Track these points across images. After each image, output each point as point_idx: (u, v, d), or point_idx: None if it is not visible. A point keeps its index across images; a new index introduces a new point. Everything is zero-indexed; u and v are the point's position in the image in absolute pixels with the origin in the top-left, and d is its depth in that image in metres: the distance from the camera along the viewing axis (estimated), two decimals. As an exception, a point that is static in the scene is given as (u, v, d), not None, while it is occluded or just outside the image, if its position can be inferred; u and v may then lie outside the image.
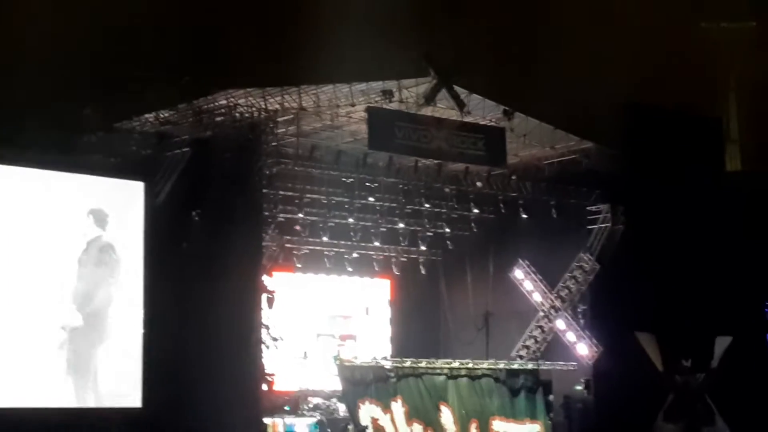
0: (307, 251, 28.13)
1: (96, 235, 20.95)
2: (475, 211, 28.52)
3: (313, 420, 25.52)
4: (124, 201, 21.49)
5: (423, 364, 25.28)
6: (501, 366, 26.72)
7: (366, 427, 23.47)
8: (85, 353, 20.37)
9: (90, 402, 20.12)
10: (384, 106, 23.74)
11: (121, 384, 20.50)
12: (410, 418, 24.22)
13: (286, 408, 25.57)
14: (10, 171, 20.19)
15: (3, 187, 20.03)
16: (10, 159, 20.07)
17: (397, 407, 24.17)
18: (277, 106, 23.33)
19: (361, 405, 23.68)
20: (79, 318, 20.38)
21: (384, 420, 23.79)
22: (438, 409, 24.88)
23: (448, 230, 29.33)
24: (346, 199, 27.02)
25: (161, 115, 22.84)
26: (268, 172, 23.94)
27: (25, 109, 19.99)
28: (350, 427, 24.39)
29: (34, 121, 20.27)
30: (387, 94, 23.49)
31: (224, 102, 22.94)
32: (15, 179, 20.21)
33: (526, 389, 26.36)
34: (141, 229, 21.49)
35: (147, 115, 22.76)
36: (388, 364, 24.96)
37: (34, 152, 20.23)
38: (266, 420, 22.91)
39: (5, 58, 19.76)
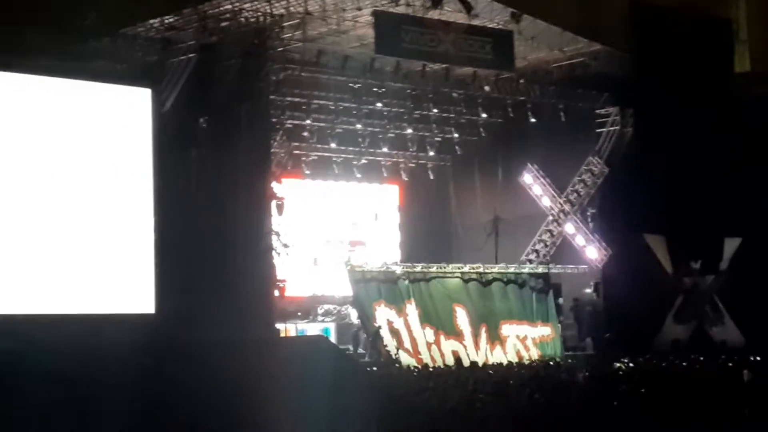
0: (316, 157, 28.09)
1: (104, 144, 20.75)
2: (484, 115, 28.45)
3: (325, 325, 25.79)
4: (131, 107, 21.26)
5: (434, 269, 25.44)
6: (511, 270, 26.89)
7: (380, 327, 23.62)
8: (97, 260, 20.33)
9: (102, 308, 20.12)
10: (390, 9, 23.44)
11: (133, 290, 20.52)
12: (423, 321, 24.42)
13: (298, 314, 25.77)
14: (14, 78, 19.98)
15: (7, 94, 19.81)
16: (13, 66, 19.85)
17: (412, 310, 24.35)
18: (283, 11, 23.02)
19: (376, 307, 23.85)
20: (88, 224, 20.32)
21: (398, 323, 23.98)
22: (453, 312, 25.07)
23: (456, 135, 29.26)
24: (353, 105, 27.00)
25: (166, 21, 22.58)
26: (274, 78, 23.82)
27: (27, 14, 19.69)
28: (361, 332, 24.60)
29: (37, 27, 19.98)
30: (393, -2, 23.26)
31: (229, 6, 22.62)
32: (18, 86, 19.98)
33: (536, 292, 26.56)
34: (149, 136, 21.29)
35: (152, 21, 22.47)
36: (398, 269, 25.08)
37: (38, 59, 19.99)
38: (278, 325, 23.06)
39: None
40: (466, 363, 23.64)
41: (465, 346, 25.03)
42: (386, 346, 23.45)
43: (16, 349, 17.42)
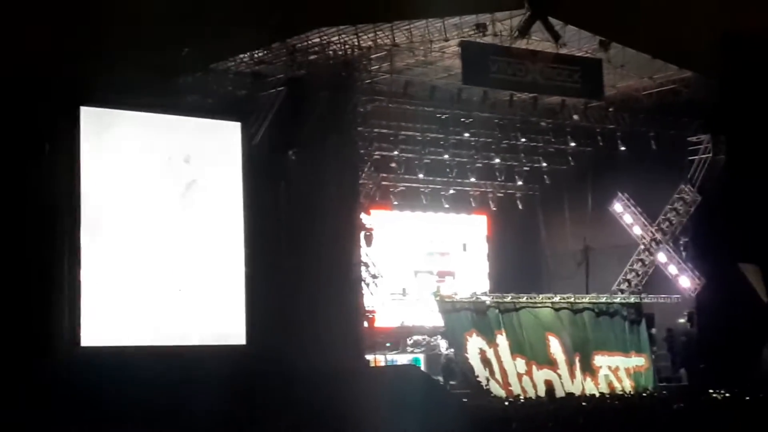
0: (404, 188, 28.13)
1: (195, 177, 21.01)
2: (573, 144, 28.28)
3: (415, 356, 25.72)
4: (221, 141, 21.50)
5: (524, 299, 25.26)
6: (602, 300, 26.59)
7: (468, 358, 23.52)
8: (190, 294, 20.55)
9: (195, 340, 20.33)
10: (477, 39, 23.46)
11: (225, 322, 20.69)
12: (514, 352, 24.25)
13: (388, 344, 25.76)
14: (110, 114, 20.36)
15: (100, 130, 20.18)
16: (108, 102, 20.21)
17: (502, 340, 24.19)
18: (370, 43, 23.24)
19: (468, 337, 23.77)
20: (184, 260, 20.56)
21: (489, 353, 23.85)
22: (546, 340, 24.85)
23: (544, 164, 29.07)
24: (441, 135, 27.04)
25: (256, 55, 22.94)
26: (362, 110, 24.02)
27: (122, 52, 20.11)
28: (452, 362, 24.45)
29: (131, 64, 20.38)
30: (480, 27, 23.13)
31: (317, 40, 22.91)
32: (114, 122, 20.37)
33: (628, 322, 26.23)
34: (238, 170, 21.48)
35: (242, 55, 22.83)
36: (488, 299, 24.96)
37: (132, 95, 20.33)
38: (368, 356, 23.09)
39: (104, 3, 19.88)
40: (559, 393, 23.47)
41: (559, 375, 24.81)
42: (477, 376, 23.34)
43: (119, 378, 17.87)
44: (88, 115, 19.91)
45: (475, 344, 23.75)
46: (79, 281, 19.15)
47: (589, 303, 26.17)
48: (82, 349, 18.99)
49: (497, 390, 23.23)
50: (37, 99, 19.09)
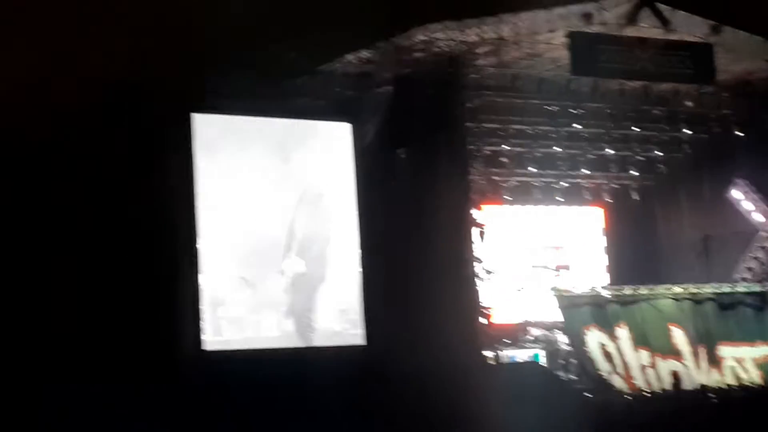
0: (515, 183, 27.82)
1: (308, 180, 21.09)
2: (687, 131, 27.67)
3: (534, 351, 25.46)
4: (331, 143, 21.57)
5: (644, 291, 24.86)
6: (725, 289, 26.01)
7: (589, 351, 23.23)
8: (306, 296, 20.65)
9: (314, 341, 20.41)
10: (585, 29, 23.17)
11: (343, 323, 20.73)
12: (636, 344, 23.87)
13: (506, 340, 25.53)
14: (219, 120, 20.54)
15: (213, 136, 20.40)
16: (219, 108, 20.39)
17: (623, 333, 23.86)
18: (476, 38, 23.04)
19: (586, 332, 23.46)
20: (301, 264, 20.65)
21: (611, 347, 23.53)
22: (668, 331, 24.40)
23: (659, 153, 28.49)
24: (550, 128, 26.67)
25: (362, 56, 22.96)
26: (470, 105, 23.91)
27: (231, 57, 20.30)
28: (572, 357, 24.18)
29: (239, 69, 20.57)
30: (587, 16, 22.88)
31: (423, 37, 22.78)
32: (223, 128, 20.55)
33: (754, 311, 25.60)
34: (350, 171, 21.51)
35: (348, 56, 22.86)
36: (607, 293, 24.63)
37: (241, 100, 20.51)
38: (486, 353, 22.90)
39: (207, 7, 20.09)
40: (685, 384, 23.04)
41: (685, 366, 24.34)
42: (599, 371, 23.02)
43: (242, 380, 18.05)
44: (199, 122, 20.15)
45: (595, 338, 23.44)
46: (199, 287, 19.40)
47: (711, 293, 25.62)
48: (205, 354, 19.21)
49: (620, 384, 22.90)
50: (149, 106, 19.36)
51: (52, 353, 17.20)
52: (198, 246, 19.54)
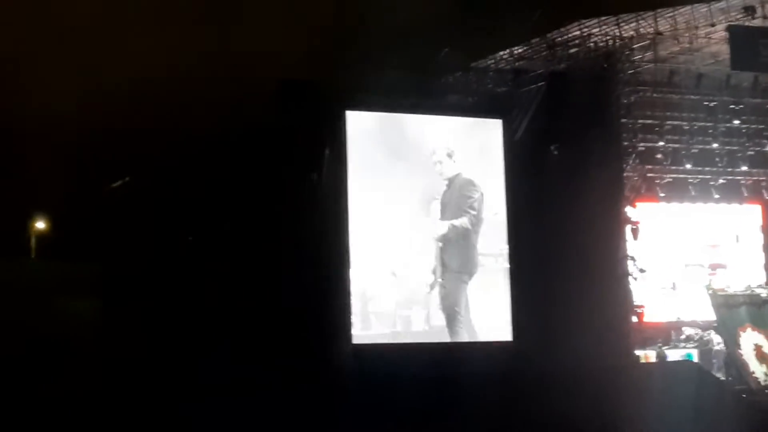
0: (670, 179, 27.25)
1: (455, 173, 21.21)
2: None
3: (687, 351, 24.98)
4: (483, 139, 21.64)
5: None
6: None
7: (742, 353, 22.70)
8: (455, 291, 20.81)
9: (464, 337, 20.56)
10: (746, 23, 22.63)
11: (492, 318, 20.83)
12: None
13: (659, 340, 25.16)
14: (372, 117, 20.90)
15: (367, 132, 20.74)
16: (372, 105, 20.73)
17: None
18: (633, 33, 22.83)
19: (741, 333, 22.92)
20: (450, 259, 20.82)
21: (767, 348, 22.93)
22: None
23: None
24: (709, 124, 26.13)
25: (515, 52, 22.96)
26: (625, 101, 23.58)
27: (384, 55, 20.58)
28: (727, 358, 23.67)
29: (393, 66, 20.84)
30: (749, 10, 22.31)
31: (578, 33, 22.71)
32: (377, 124, 20.91)
33: None
34: (500, 166, 21.56)
35: (501, 53, 22.90)
36: (764, 292, 24.00)
37: (394, 97, 20.77)
38: (638, 352, 22.66)
39: (364, 5, 20.45)
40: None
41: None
42: (753, 372, 22.48)
43: (390, 375, 18.34)
44: (352, 119, 20.53)
45: (750, 339, 22.85)
46: (348, 281, 19.77)
47: None
48: (354, 347, 19.60)
49: (772, 382, 22.33)
50: (305, 103, 19.79)
51: (210, 350, 17.77)
52: (348, 241, 19.94)
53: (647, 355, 23.60)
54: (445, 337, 20.49)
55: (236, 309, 18.38)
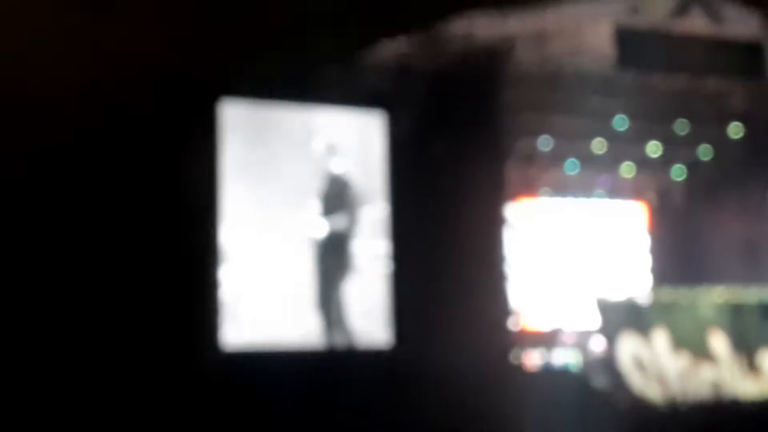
0: (553, 179, 27.42)
1: (334, 170, 20.61)
2: (734, 130, 26.83)
3: (568, 356, 24.93)
4: (363, 134, 21.09)
5: (683, 294, 24.22)
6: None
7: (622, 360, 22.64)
8: (332, 293, 20.23)
9: (341, 341, 19.96)
10: (631, 23, 22.49)
11: (368, 321, 20.28)
12: (676, 348, 23.24)
13: (539, 344, 25.06)
14: (248, 109, 20.18)
15: (242, 125, 20.04)
16: (247, 97, 20.08)
17: (660, 338, 23.23)
18: (517, 30, 22.49)
19: (622, 337, 22.86)
20: (327, 258, 20.22)
21: (646, 353, 22.91)
22: (708, 338, 23.72)
23: (705, 152, 27.84)
24: (593, 124, 26.15)
25: (398, 46, 22.44)
26: (509, 99, 23.34)
27: (261, 46, 19.84)
28: (605, 364, 23.60)
29: (271, 58, 20.12)
30: (634, 9, 22.30)
31: (462, 29, 22.27)
32: (253, 117, 20.20)
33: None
34: (381, 163, 21.06)
35: (383, 46, 22.34)
36: (645, 295, 24.11)
37: (272, 89, 20.12)
38: (518, 358, 22.40)
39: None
40: (724, 392, 22.41)
41: (723, 375, 23.67)
42: (632, 378, 22.44)
43: (261, 380, 17.73)
44: (228, 111, 19.77)
45: (630, 344, 22.80)
46: (219, 283, 18.95)
47: (754, 297, 24.90)
48: (224, 354, 18.79)
49: (655, 393, 22.29)
50: (175, 95, 18.94)
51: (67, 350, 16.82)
52: (219, 237, 19.16)
53: (527, 361, 23.43)
54: (321, 342, 19.82)
55: (98, 314, 17.40)
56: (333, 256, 20.22)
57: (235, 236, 19.37)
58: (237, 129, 19.88)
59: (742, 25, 23.30)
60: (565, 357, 25.02)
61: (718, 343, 23.87)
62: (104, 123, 18.41)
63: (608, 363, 23.36)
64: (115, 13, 19.09)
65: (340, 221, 20.38)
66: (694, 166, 28.53)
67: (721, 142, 27.65)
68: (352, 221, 20.50)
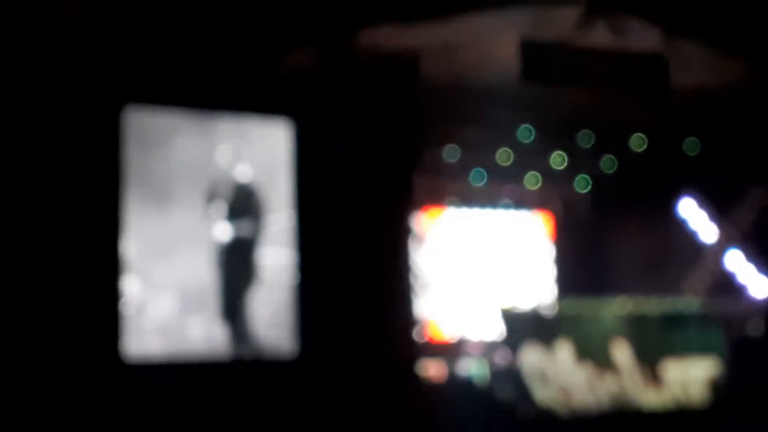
0: (459, 190, 27.51)
1: (240, 178, 20.42)
2: (638, 144, 27.31)
3: (473, 366, 24.93)
4: (271, 142, 20.93)
5: (587, 304, 24.44)
6: (671, 305, 25.60)
7: (527, 369, 22.76)
8: (237, 302, 20.02)
9: (242, 350, 19.74)
10: (537, 36, 22.65)
11: (273, 331, 20.09)
12: (579, 358, 23.42)
13: (445, 355, 25.04)
14: (154, 115, 19.87)
15: (147, 131, 19.73)
16: (153, 103, 19.76)
17: (564, 349, 23.39)
18: (425, 42, 22.53)
19: (526, 347, 22.96)
20: (230, 266, 20.01)
21: (550, 363, 23.05)
22: (611, 348, 23.97)
23: (608, 165, 28.22)
24: (498, 135, 26.36)
25: (306, 55, 22.34)
26: (417, 111, 23.35)
27: (168, 50, 19.58)
28: (511, 375, 23.69)
29: (178, 63, 19.88)
30: (539, 23, 22.36)
31: (371, 40, 22.24)
32: (158, 123, 19.90)
33: (699, 328, 25.22)
34: (287, 172, 20.93)
35: (294, 54, 22.24)
36: (549, 305, 24.25)
37: (179, 95, 19.87)
38: (424, 366, 22.32)
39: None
40: (625, 403, 22.65)
41: (625, 384, 23.93)
42: (535, 389, 22.55)
43: (164, 393, 17.47)
44: (131, 117, 19.46)
45: (534, 354, 22.93)
46: (120, 291, 18.62)
47: (657, 308, 25.24)
48: (126, 365, 18.46)
49: (558, 403, 22.42)
50: (77, 100, 18.60)
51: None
52: (119, 244, 18.82)
53: (433, 372, 23.39)
54: (226, 352, 19.59)
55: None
56: (238, 265, 20.02)
57: (138, 245, 19.06)
58: (140, 136, 19.59)
59: (645, 38, 23.65)
60: (470, 367, 25.04)
61: (621, 353, 24.15)
62: (3, 131, 18.03)
63: (512, 373, 23.48)
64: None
65: (245, 230, 20.19)
66: (597, 177, 28.83)
67: (624, 155, 28.02)
68: (258, 230, 20.33)
